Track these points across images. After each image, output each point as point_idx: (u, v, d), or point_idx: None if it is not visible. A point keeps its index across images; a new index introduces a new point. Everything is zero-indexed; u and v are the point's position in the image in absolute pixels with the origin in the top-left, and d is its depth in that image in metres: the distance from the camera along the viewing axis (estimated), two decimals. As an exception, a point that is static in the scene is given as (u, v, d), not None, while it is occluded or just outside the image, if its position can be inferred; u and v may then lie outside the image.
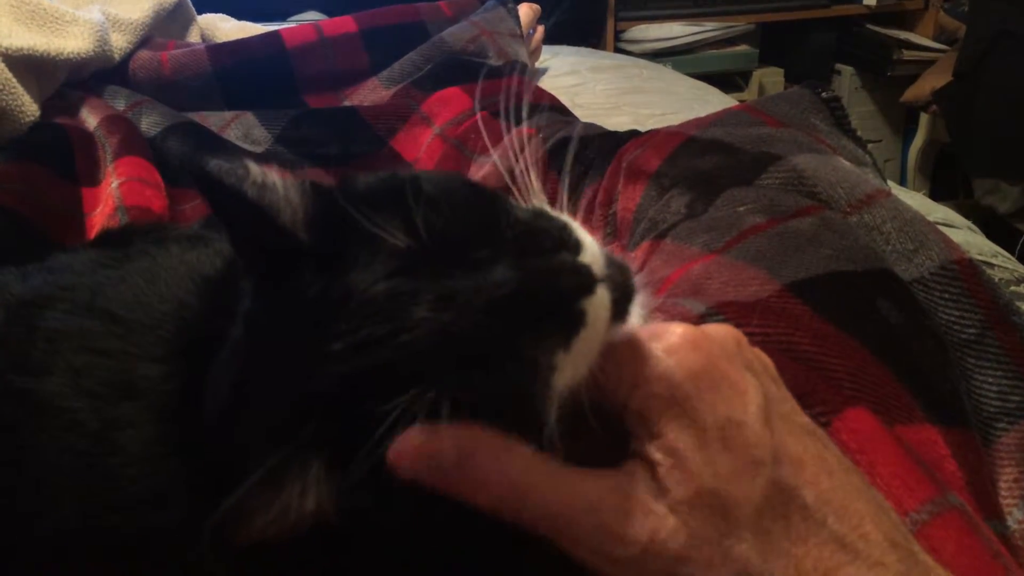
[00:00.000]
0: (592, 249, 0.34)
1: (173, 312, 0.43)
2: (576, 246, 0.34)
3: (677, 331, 0.35)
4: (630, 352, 0.34)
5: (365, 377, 0.31)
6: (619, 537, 0.32)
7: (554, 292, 0.32)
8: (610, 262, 0.35)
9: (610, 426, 0.35)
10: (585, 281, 0.33)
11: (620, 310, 0.34)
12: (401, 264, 0.32)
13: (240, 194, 0.34)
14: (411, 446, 0.31)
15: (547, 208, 0.37)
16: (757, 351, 0.38)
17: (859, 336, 0.49)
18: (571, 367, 0.33)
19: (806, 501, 0.33)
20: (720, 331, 0.36)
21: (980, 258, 0.67)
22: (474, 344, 0.31)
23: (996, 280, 0.58)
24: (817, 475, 0.33)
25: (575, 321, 0.32)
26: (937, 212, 0.92)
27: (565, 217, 0.36)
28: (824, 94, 0.77)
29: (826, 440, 0.36)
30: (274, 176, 0.35)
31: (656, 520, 0.32)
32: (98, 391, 0.40)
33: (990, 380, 0.53)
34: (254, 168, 0.35)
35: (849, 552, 0.32)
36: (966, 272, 0.56)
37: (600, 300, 0.33)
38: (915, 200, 0.89)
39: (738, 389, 0.34)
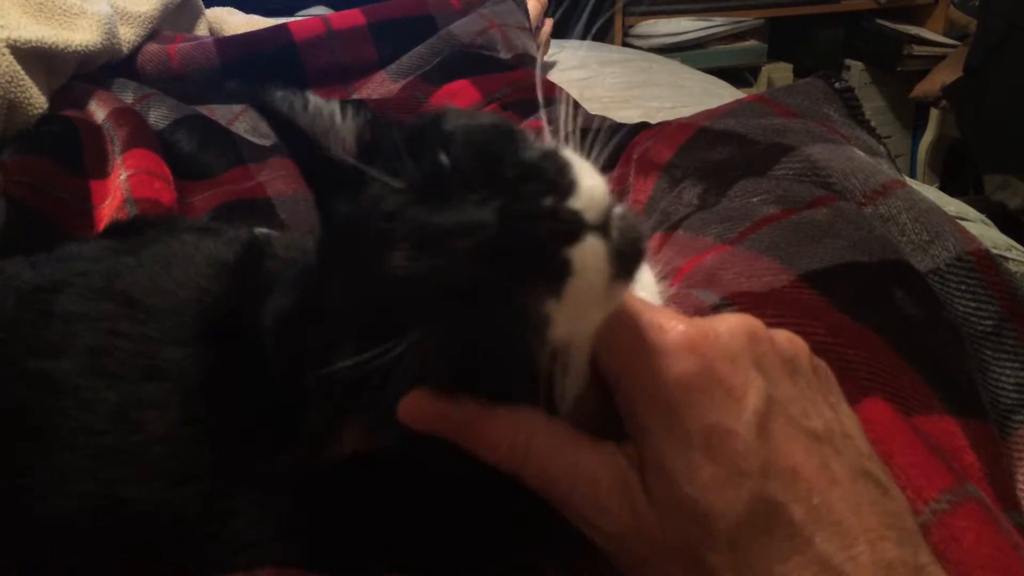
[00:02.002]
0: (591, 194, 0.32)
1: (192, 297, 0.44)
2: (567, 189, 0.32)
3: (679, 328, 0.33)
4: (628, 334, 0.34)
5: (365, 321, 0.33)
6: (606, 512, 0.33)
7: (532, 238, 0.31)
8: (621, 215, 0.33)
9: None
10: (568, 228, 0.31)
11: (624, 267, 0.32)
12: (399, 202, 0.33)
13: (290, 123, 0.36)
14: (417, 406, 0.33)
15: (562, 149, 0.35)
16: (788, 336, 0.36)
17: (875, 327, 0.49)
18: (567, 320, 0.32)
19: (793, 518, 0.31)
20: (729, 327, 0.34)
21: (995, 251, 0.67)
22: (458, 288, 0.31)
23: (1013, 272, 0.57)
24: (811, 489, 0.32)
25: (560, 270, 0.31)
26: (951, 206, 0.92)
27: (572, 157, 0.34)
28: (837, 85, 0.76)
29: (841, 444, 0.34)
30: (330, 106, 0.36)
31: (640, 508, 0.33)
32: (117, 372, 0.41)
33: (1008, 372, 0.52)
34: (313, 99, 0.36)
35: (833, 574, 0.31)
36: (983, 263, 0.55)
37: (591, 250, 0.31)
38: (929, 194, 0.88)
39: (733, 395, 0.32)
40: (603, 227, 0.32)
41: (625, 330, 0.34)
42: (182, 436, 0.39)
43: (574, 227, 0.31)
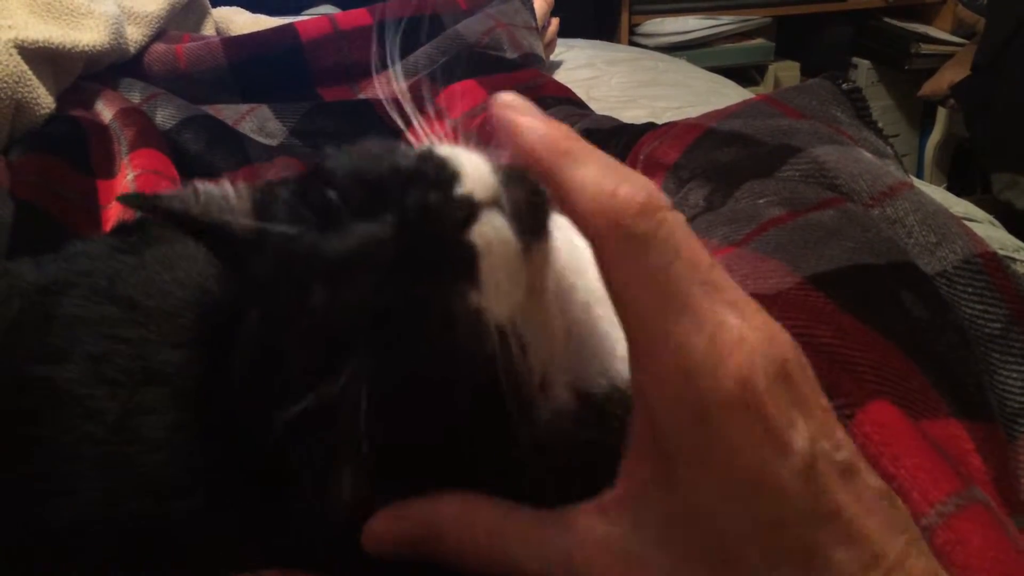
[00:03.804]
0: (475, 174, 0.32)
1: (193, 298, 0.43)
2: (451, 179, 0.32)
3: (732, 364, 0.29)
4: (664, 338, 0.30)
5: (306, 365, 0.33)
6: None
7: (429, 235, 0.31)
8: (508, 178, 0.33)
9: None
10: (461, 212, 0.31)
11: (532, 224, 0.33)
12: (301, 246, 0.33)
13: (187, 216, 0.37)
14: (378, 532, 0.34)
15: (436, 146, 0.35)
16: (802, 365, 0.31)
17: (882, 329, 0.48)
18: (496, 300, 0.31)
19: (833, 559, 0.29)
20: (771, 357, 0.30)
21: (1003, 253, 0.66)
22: (375, 310, 0.31)
23: (1021, 275, 0.57)
24: (851, 526, 0.30)
25: (467, 255, 0.31)
26: (958, 206, 0.91)
27: (448, 150, 0.34)
28: (845, 85, 0.76)
29: (865, 468, 0.32)
30: (221, 188, 0.38)
31: (639, 565, 0.31)
32: (117, 378, 0.40)
33: (1015, 376, 0.52)
34: (202, 186, 0.37)
35: None
36: (990, 266, 0.55)
37: (490, 224, 0.31)
38: (936, 194, 0.88)
39: (780, 440, 0.29)
40: (496, 201, 0.32)
41: (659, 351, 0.30)
42: (179, 443, 0.39)
43: (466, 210, 0.31)
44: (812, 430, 0.30)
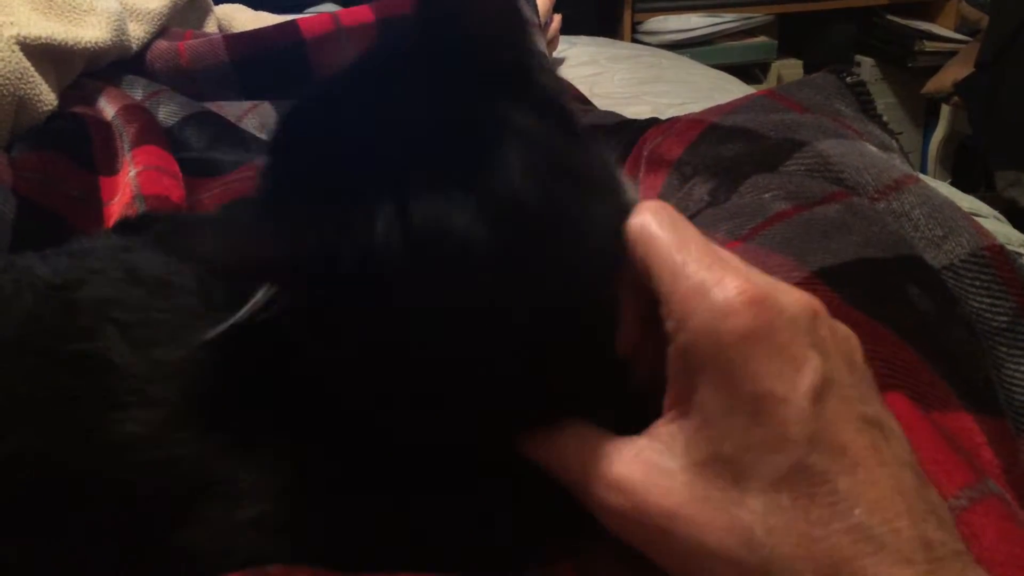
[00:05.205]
0: None
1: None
2: None
3: (738, 285, 0.33)
4: (687, 283, 0.33)
5: None
6: (613, 485, 0.34)
7: None
8: None
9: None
10: None
11: None
12: None
13: None
14: (532, 442, 0.37)
15: None
16: (840, 328, 0.36)
17: (890, 323, 0.48)
18: None
19: (837, 487, 0.31)
20: (794, 300, 0.33)
21: (1009, 247, 0.66)
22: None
23: (1027, 269, 0.57)
24: (858, 465, 0.32)
25: None
26: (963, 202, 0.91)
27: None
28: (849, 79, 0.76)
29: (892, 432, 0.34)
30: None
31: (661, 474, 0.33)
32: (162, 340, 0.40)
33: (1022, 369, 0.52)
34: None
35: (873, 544, 0.30)
36: (997, 259, 0.55)
37: None
38: (942, 190, 0.87)
39: (793, 365, 0.32)
40: None
41: (685, 275, 0.34)
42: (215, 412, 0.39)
43: None
44: (828, 370, 0.32)
